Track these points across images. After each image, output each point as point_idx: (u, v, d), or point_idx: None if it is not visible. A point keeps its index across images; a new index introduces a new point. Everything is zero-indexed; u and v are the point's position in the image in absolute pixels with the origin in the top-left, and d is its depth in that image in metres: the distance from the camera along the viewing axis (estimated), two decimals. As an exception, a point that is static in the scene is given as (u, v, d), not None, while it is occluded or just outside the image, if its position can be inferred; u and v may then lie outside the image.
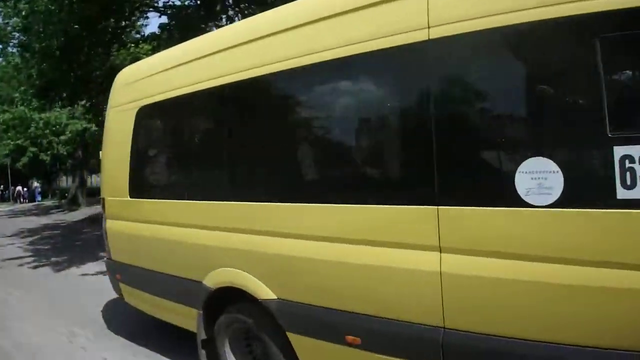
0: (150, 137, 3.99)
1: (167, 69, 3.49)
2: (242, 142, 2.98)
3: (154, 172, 4.01)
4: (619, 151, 1.62)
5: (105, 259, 4.27)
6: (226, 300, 2.96)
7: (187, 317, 3.26)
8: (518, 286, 1.85)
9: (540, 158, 1.80)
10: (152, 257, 3.59)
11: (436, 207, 2.01)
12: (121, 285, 3.99)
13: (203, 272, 3.02)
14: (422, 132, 2.05)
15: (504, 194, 1.86)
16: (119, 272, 3.98)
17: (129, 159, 3.73)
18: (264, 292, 2.70)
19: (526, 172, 1.80)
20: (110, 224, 4.03)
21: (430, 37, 2.01)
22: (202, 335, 3.11)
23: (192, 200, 3.23)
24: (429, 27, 2.02)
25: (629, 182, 1.61)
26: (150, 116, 3.75)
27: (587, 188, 1.77)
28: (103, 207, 4.12)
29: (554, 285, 1.77)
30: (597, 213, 1.69)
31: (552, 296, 1.79)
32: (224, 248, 2.94)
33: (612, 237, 1.68)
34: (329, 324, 2.45)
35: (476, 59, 2.03)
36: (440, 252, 2.02)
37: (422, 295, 2.10)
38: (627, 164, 1.61)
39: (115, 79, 4.14)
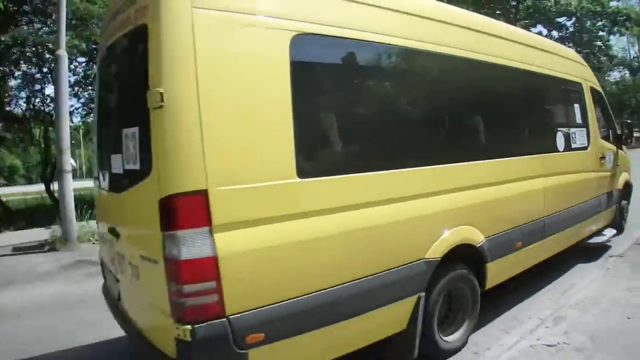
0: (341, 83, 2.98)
1: None
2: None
3: (352, 135, 2.96)
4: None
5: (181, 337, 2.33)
6: (444, 265, 3.29)
7: (391, 318, 3.03)
8: (564, 183, 5.06)
9: (562, 130, 5.28)
10: (346, 260, 2.72)
11: (542, 154, 4.75)
12: (256, 351, 2.41)
13: (426, 245, 3.18)
14: (528, 116, 4.82)
15: (554, 146, 5.06)
16: (257, 330, 2.40)
17: (290, 114, 2.50)
18: (479, 237, 3.61)
19: (558, 132, 5.15)
20: (230, 241, 2.31)
21: None
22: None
23: (419, 166, 3.20)
24: None
25: (572, 143, 5.44)
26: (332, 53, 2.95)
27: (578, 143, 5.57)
28: (190, 211, 2.26)
29: (575, 181, 5.35)
30: (579, 152, 5.52)
31: (572, 183, 5.26)
32: (452, 209, 3.39)
33: (590, 158, 5.75)
34: (509, 240, 4.05)
35: None
36: (544, 177, 4.66)
37: (539, 202, 4.57)
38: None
39: None
